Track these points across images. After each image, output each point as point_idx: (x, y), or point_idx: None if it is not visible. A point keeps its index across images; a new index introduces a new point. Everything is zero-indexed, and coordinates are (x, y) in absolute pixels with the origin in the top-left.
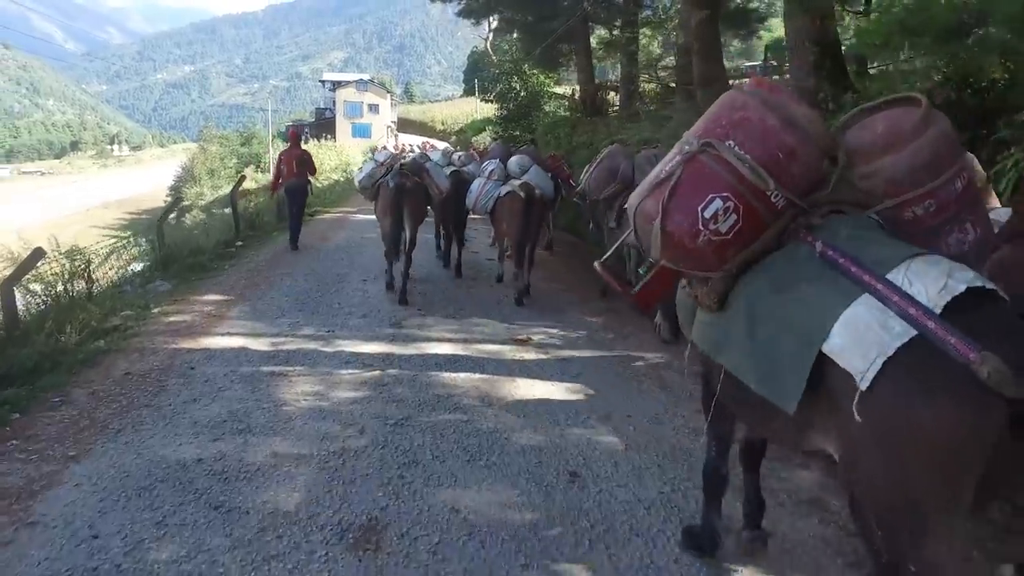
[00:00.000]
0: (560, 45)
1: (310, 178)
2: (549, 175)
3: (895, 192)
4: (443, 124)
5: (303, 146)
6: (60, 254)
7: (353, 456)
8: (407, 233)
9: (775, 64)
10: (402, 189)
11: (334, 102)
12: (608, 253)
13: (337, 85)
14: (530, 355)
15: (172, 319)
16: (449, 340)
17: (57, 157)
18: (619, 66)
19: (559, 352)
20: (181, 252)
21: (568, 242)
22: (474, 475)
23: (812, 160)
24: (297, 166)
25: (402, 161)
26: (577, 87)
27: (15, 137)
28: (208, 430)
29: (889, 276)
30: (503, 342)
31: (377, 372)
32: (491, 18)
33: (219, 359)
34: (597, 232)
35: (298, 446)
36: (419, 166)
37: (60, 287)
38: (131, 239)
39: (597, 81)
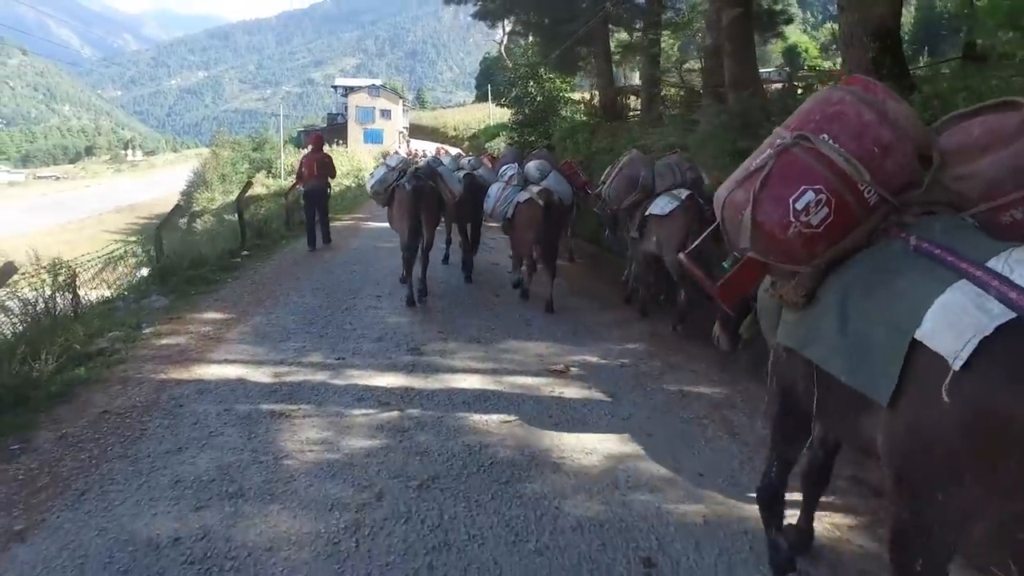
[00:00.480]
0: (578, 48)
1: (329, 181)
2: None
3: (994, 194)
4: (455, 130)
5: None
6: (41, 267)
7: (369, 534)
8: (424, 235)
9: (788, 70)
10: (420, 191)
11: (346, 107)
12: (695, 244)
13: (349, 90)
14: (570, 391)
15: (164, 341)
16: (476, 371)
17: (72, 162)
18: (639, 69)
19: (602, 387)
20: (181, 263)
21: (589, 252)
22: (523, 565)
23: (906, 157)
24: (317, 168)
25: (416, 165)
26: (595, 92)
27: (31, 142)
28: (192, 493)
29: (988, 264)
30: (537, 373)
31: (395, 413)
32: (506, 21)
33: (212, 394)
34: (614, 241)
35: (301, 518)
36: (432, 170)
37: (41, 304)
38: (126, 249)
39: (616, 85)
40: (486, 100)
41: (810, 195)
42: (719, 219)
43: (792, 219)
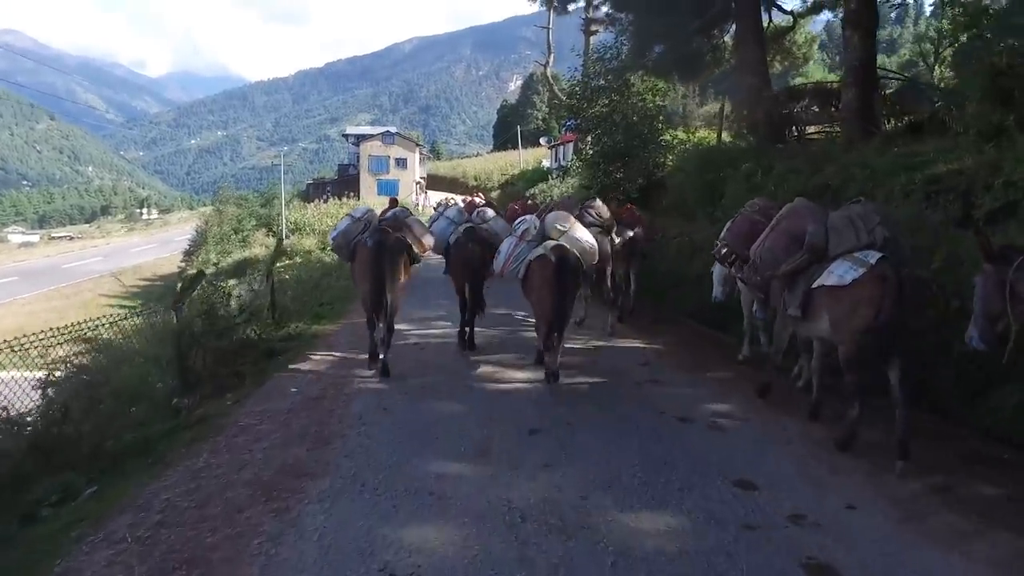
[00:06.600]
0: (697, 39)
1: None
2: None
3: None
4: (476, 179)
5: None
6: None
7: None
8: (388, 297)
9: None
10: (382, 247)
11: (358, 157)
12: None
13: (361, 139)
14: None
15: None
16: None
17: (88, 221)
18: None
19: None
20: None
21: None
22: None
23: None
24: None
25: (383, 216)
26: (724, 103)
27: (49, 203)
28: None
29: None
30: None
31: None
32: (552, 43)
33: None
34: (764, 321)
35: None
36: (400, 221)
37: None
38: None
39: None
40: (504, 149)
41: None
42: None
43: None
